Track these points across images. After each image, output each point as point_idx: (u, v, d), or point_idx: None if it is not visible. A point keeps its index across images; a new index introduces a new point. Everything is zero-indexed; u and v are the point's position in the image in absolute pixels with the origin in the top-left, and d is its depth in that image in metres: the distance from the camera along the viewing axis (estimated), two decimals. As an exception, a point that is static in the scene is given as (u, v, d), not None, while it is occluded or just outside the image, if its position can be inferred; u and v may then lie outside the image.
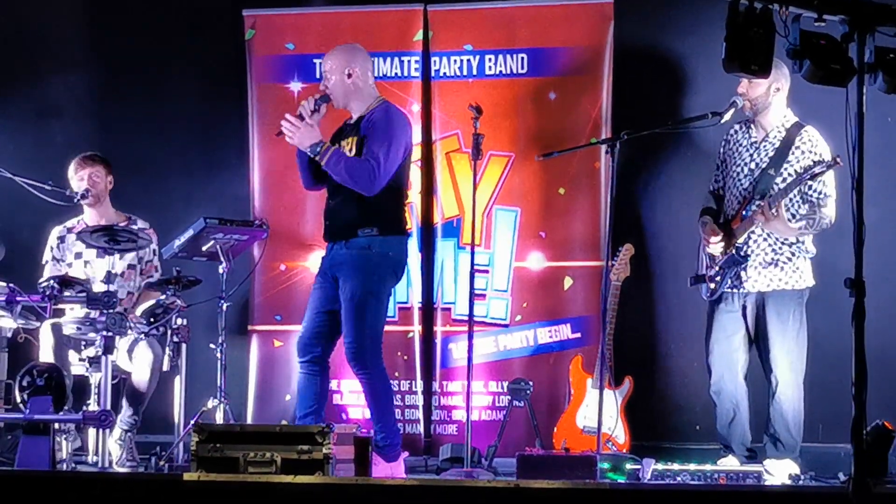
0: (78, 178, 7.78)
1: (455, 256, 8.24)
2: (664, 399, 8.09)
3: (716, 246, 7.10)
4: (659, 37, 8.34)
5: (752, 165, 7.12)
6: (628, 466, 6.32)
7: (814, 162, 6.90)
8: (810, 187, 6.97)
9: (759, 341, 7.10)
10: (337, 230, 6.90)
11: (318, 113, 6.94)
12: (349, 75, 6.96)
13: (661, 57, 8.35)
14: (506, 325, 8.19)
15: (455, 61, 8.33)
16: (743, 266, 7.03)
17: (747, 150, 7.17)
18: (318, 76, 7.42)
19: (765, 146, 7.11)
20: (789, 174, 7.00)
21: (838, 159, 6.67)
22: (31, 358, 7.23)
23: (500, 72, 8.29)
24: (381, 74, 8.32)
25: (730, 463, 6.94)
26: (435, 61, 8.34)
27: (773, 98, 7.08)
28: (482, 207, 8.13)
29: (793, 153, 7.04)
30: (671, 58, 8.30)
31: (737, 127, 7.28)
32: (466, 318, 7.00)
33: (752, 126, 7.19)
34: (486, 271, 8.16)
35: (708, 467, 6.27)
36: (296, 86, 8.39)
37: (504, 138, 8.19)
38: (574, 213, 8.15)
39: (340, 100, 6.99)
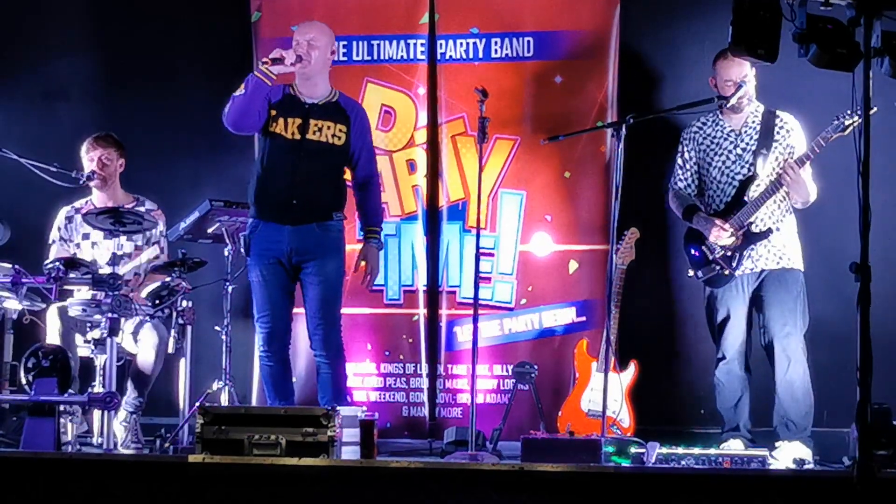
0: (88, 158, 7.76)
1: (460, 240, 8.24)
2: (669, 383, 8.09)
3: (727, 239, 7.12)
4: (665, 20, 8.33)
5: (739, 151, 7.20)
6: (633, 450, 6.32)
7: (836, 121, 6.90)
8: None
9: (766, 322, 7.13)
10: (311, 211, 6.87)
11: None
12: (332, 52, 7.04)
13: (668, 40, 8.35)
14: (511, 309, 8.19)
15: (461, 44, 8.33)
16: (753, 246, 7.05)
17: (726, 139, 7.25)
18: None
19: (746, 131, 7.24)
20: (779, 153, 7.14)
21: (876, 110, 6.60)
22: (37, 339, 7.25)
23: (507, 55, 8.28)
24: (387, 57, 8.35)
25: (734, 446, 6.95)
26: (441, 44, 8.33)
27: (743, 89, 7.22)
28: (488, 191, 8.13)
29: (778, 132, 7.20)
30: (677, 41, 8.30)
31: (699, 123, 7.39)
32: (471, 301, 7.01)
33: (723, 117, 7.27)
34: (492, 254, 8.16)
35: (712, 451, 6.26)
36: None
37: (510, 121, 8.19)
38: (580, 197, 8.15)
39: (309, 74, 6.99)
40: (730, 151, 7.24)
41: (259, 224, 6.91)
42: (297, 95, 7.00)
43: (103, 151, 7.76)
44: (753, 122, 7.24)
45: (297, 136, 6.90)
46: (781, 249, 7.12)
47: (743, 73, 7.12)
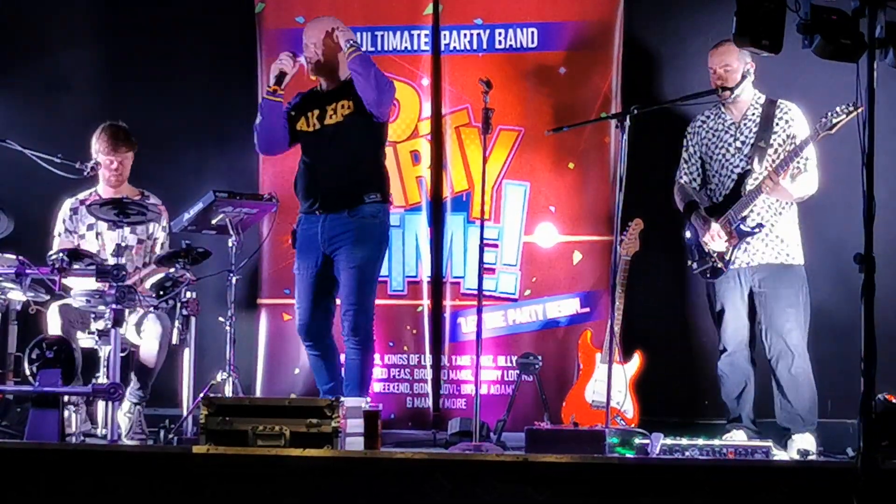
0: (106, 160, 7.74)
1: (464, 231, 8.23)
2: (673, 374, 8.08)
3: (720, 244, 7.13)
4: (669, 11, 8.32)
5: (738, 144, 7.20)
6: (637, 441, 6.31)
7: (824, 118, 6.88)
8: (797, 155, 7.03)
9: (765, 317, 7.13)
10: (339, 198, 6.91)
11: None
12: (339, 33, 7.06)
13: (672, 31, 8.33)
14: (515, 300, 8.19)
15: (465, 35, 8.32)
16: (746, 238, 7.06)
17: (727, 132, 7.27)
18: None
19: (746, 124, 7.24)
20: (779, 144, 7.11)
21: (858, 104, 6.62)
22: (41, 331, 7.24)
23: (510, 46, 8.27)
24: (390, 48, 8.34)
25: (738, 437, 6.95)
26: (445, 35, 8.32)
27: (745, 81, 7.20)
28: (492, 182, 8.12)
29: (777, 124, 7.18)
30: (682, 32, 8.28)
31: (702, 117, 7.42)
32: (475, 292, 7.00)
33: (725, 109, 7.28)
34: (496, 245, 8.16)
35: (716, 442, 6.25)
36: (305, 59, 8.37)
37: (514, 113, 8.19)
38: (584, 188, 8.15)
39: (325, 68, 7.07)
40: (730, 144, 7.24)
41: (301, 217, 7.07)
42: (317, 90, 7.13)
43: (124, 156, 7.77)
44: (753, 114, 7.23)
45: (317, 126, 7.01)
46: (780, 244, 7.10)
47: (723, 62, 7.16)
